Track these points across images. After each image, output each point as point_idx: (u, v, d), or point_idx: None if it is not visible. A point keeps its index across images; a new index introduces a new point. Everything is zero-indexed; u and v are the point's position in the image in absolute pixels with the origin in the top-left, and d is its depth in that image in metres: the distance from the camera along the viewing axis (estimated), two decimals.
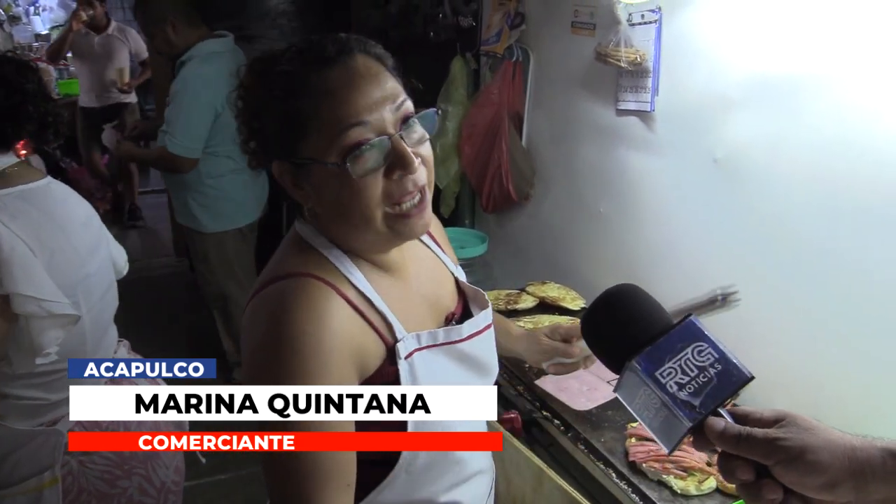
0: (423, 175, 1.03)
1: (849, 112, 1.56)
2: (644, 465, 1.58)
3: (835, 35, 1.57)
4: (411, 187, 1.02)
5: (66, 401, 1.70)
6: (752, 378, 0.85)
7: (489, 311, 1.25)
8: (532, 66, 2.65)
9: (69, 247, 1.69)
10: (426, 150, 1.05)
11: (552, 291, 2.42)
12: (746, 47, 1.77)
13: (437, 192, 3.13)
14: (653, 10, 2.01)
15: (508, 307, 2.35)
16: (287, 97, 1.00)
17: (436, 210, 3.10)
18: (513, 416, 1.83)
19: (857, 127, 1.55)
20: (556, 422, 1.79)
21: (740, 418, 0.85)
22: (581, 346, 1.41)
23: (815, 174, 1.65)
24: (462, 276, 1.30)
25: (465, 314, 1.24)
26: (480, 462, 1.22)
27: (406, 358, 1.05)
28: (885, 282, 1.54)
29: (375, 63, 1.02)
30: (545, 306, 2.37)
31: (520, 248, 2.90)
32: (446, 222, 3.08)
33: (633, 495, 1.54)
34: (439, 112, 1.06)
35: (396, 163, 1.00)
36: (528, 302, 2.38)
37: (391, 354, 1.05)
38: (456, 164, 3.02)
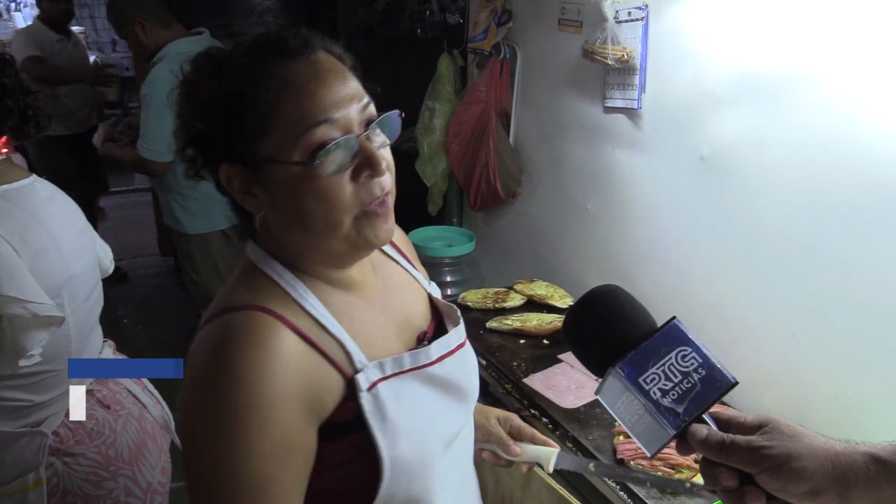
0: (388, 179, 0.98)
1: (835, 109, 1.58)
2: (632, 462, 1.59)
3: (821, 32, 1.58)
4: (379, 191, 0.96)
5: (50, 402, 1.69)
6: (736, 383, 0.84)
7: (461, 328, 1.17)
8: (519, 64, 2.66)
9: (54, 247, 1.67)
10: (389, 154, 1.00)
11: (540, 289, 2.43)
12: (733, 45, 1.79)
13: (425, 190, 3.14)
14: (639, 8, 2.02)
15: (496, 305, 2.36)
16: (245, 90, 0.93)
17: (423, 208, 3.14)
18: None
19: (843, 124, 1.56)
20: (545, 420, 1.80)
21: (723, 423, 0.85)
22: (527, 452, 1.31)
23: (801, 171, 1.67)
24: (436, 293, 1.23)
25: (439, 332, 1.16)
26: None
27: (369, 390, 0.97)
28: (872, 280, 1.55)
29: (338, 61, 0.98)
30: (533, 304, 2.39)
31: (508, 246, 2.91)
32: (434, 220, 3.12)
33: (622, 493, 1.56)
34: (402, 115, 1.01)
35: (364, 164, 0.94)
36: (516, 300, 2.39)
37: (351, 387, 0.96)
38: (443, 162, 3.03)
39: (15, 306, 1.54)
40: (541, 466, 1.33)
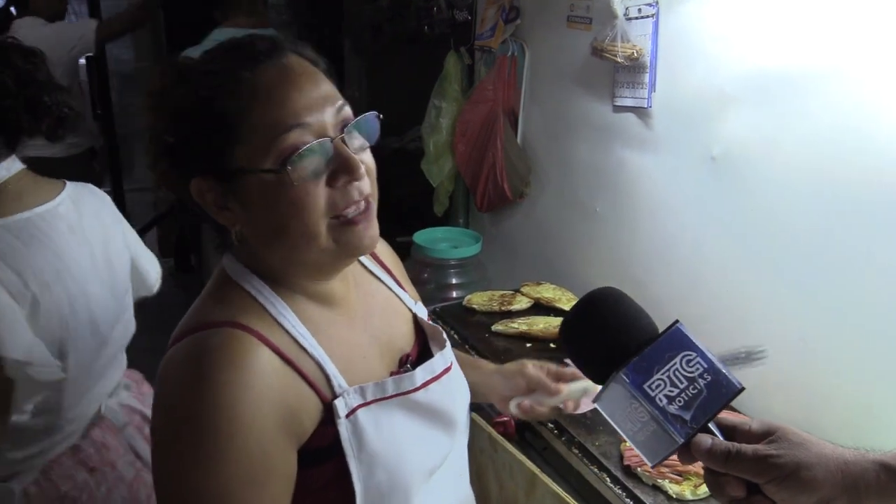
0: (367, 184, 0.96)
1: (848, 107, 1.57)
2: (639, 469, 1.58)
3: (834, 30, 1.57)
4: (357, 195, 0.94)
5: (25, 459, 1.55)
6: (743, 389, 0.83)
7: (447, 351, 1.14)
8: (527, 62, 2.66)
9: (64, 290, 1.51)
10: (368, 157, 0.98)
11: (547, 292, 2.42)
12: (745, 42, 1.78)
13: (431, 191, 3.14)
14: (650, 5, 2.01)
15: (502, 308, 2.35)
16: (214, 98, 0.90)
17: (429, 209, 3.13)
18: (506, 419, 1.83)
19: (857, 122, 1.55)
20: (550, 425, 1.79)
21: (728, 431, 0.84)
22: (571, 389, 1.27)
23: (814, 171, 1.66)
24: (423, 314, 1.20)
25: (423, 356, 1.13)
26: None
27: (348, 416, 0.95)
28: (886, 282, 1.54)
29: (309, 64, 0.96)
30: (540, 307, 2.38)
31: (515, 247, 2.91)
32: (440, 221, 3.11)
33: (628, 500, 1.54)
34: (380, 117, 0.99)
35: (340, 168, 0.92)
36: (522, 303, 2.38)
37: (329, 412, 0.94)
38: (450, 162, 3.02)
39: (13, 370, 1.41)
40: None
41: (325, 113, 0.92)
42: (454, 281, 2.75)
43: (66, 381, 1.54)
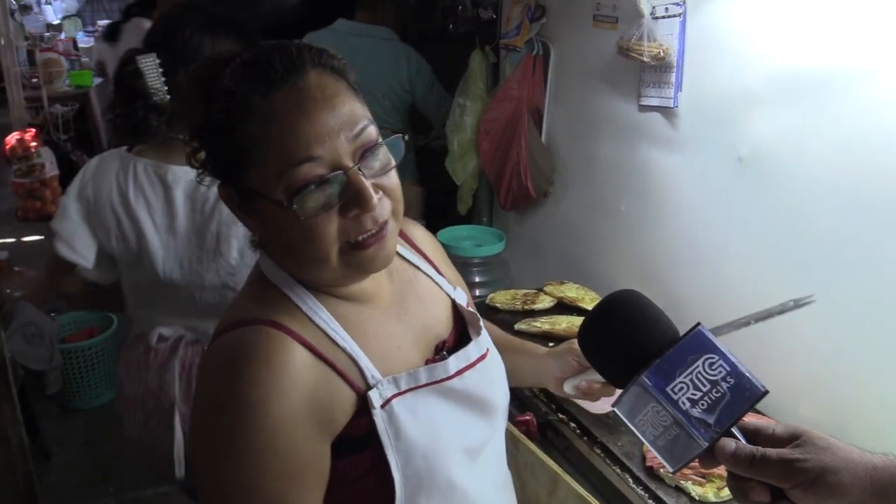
0: (385, 210, 0.94)
1: (879, 108, 1.55)
2: (661, 470, 1.59)
3: (865, 27, 1.56)
4: (370, 225, 0.93)
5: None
6: (766, 392, 0.82)
7: (483, 338, 1.15)
8: (552, 61, 2.66)
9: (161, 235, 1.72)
10: (390, 179, 0.95)
11: (571, 292, 2.43)
12: (773, 41, 1.77)
13: (455, 189, 3.15)
14: (677, 3, 2.01)
15: (525, 307, 2.36)
16: (228, 120, 0.91)
17: (453, 207, 3.14)
18: (528, 418, 1.84)
19: (888, 123, 1.54)
20: (573, 425, 1.80)
21: (751, 435, 0.83)
22: None
23: (844, 173, 1.65)
24: (462, 300, 1.20)
25: (460, 342, 1.14)
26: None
27: (383, 407, 0.96)
28: None
29: (333, 80, 0.93)
30: (563, 307, 2.38)
31: (538, 246, 2.91)
32: (463, 219, 3.13)
33: (651, 501, 1.55)
34: (406, 138, 0.97)
35: (353, 201, 0.90)
36: (545, 302, 2.39)
37: (363, 403, 0.96)
38: (474, 161, 3.03)
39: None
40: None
41: (339, 141, 0.89)
42: (477, 279, 2.77)
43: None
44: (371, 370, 0.97)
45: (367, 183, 0.91)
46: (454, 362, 1.07)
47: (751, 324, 0.99)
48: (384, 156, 0.95)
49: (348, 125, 0.90)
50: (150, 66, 1.62)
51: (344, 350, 0.97)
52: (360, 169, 0.90)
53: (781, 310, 1.04)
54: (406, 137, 0.98)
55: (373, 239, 0.94)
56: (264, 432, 0.88)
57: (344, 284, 1.01)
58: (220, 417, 0.90)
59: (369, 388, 0.96)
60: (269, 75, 0.89)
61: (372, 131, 0.93)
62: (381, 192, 0.93)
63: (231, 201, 0.98)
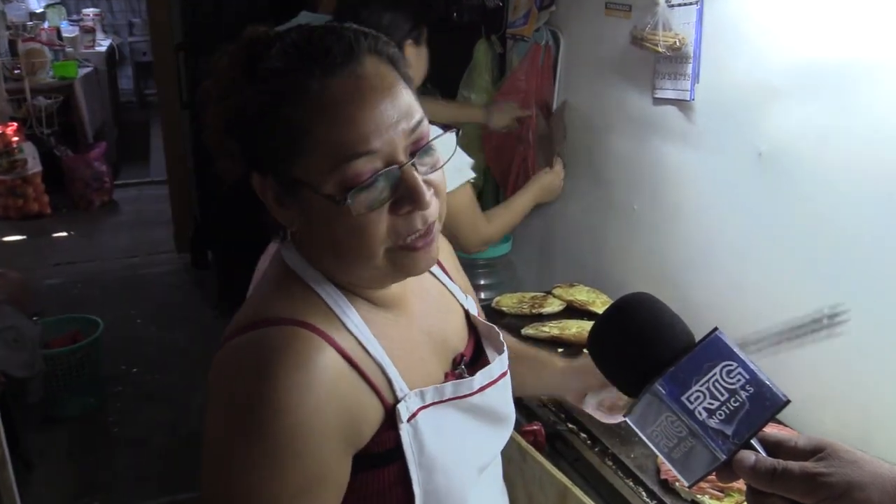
0: (434, 209, 0.93)
1: None
2: (676, 483, 1.58)
3: (888, 20, 1.56)
4: (420, 224, 0.92)
5: None
6: (788, 402, 0.81)
7: (505, 357, 1.14)
8: (562, 51, 2.66)
9: None
10: (438, 176, 0.94)
11: (581, 294, 2.42)
12: (794, 33, 1.76)
13: None
14: None
15: (533, 311, 2.36)
16: (278, 103, 0.88)
17: None
18: (535, 428, 1.84)
19: None
20: (583, 435, 1.79)
21: (771, 447, 0.82)
22: None
23: (868, 170, 1.64)
24: (473, 309, 1.20)
25: (475, 355, 1.14)
26: None
27: (409, 420, 0.95)
28: None
29: (389, 69, 0.91)
30: (573, 310, 2.38)
31: (546, 247, 2.91)
32: None
33: None
34: (460, 132, 0.98)
35: (405, 197, 0.89)
36: (554, 305, 2.38)
37: (391, 417, 0.94)
38: (479, 158, 3.03)
39: None
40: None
41: (396, 134, 0.88)
42: (483, 282, 2.76)
43: None
44: (399, 382, 0.96)
45: (421, 179, 0.90)
46: (479, 379, 1.06)
47: (781, 343, 0.97)
48: (436, 153, 0.94)
49: (406, 117, 0.89)
50: None
51: (374, 358, 0.95)
52: (413, 165, 0.90)
53: (813, 328, 1.03)
54: (461, 132, 0.98)
55: (421, 241, 0.93)
56: (293, 444, 0.85)
57: (382, 285, 1.00)
58: (243, 425, 0.86)
59: (397, 400, 0.95)
60: (326, 59, 0.88)
61: (426, 126, 0.92)
62: (432, 190, 0.92)
63: (266, 192, 0.95)
